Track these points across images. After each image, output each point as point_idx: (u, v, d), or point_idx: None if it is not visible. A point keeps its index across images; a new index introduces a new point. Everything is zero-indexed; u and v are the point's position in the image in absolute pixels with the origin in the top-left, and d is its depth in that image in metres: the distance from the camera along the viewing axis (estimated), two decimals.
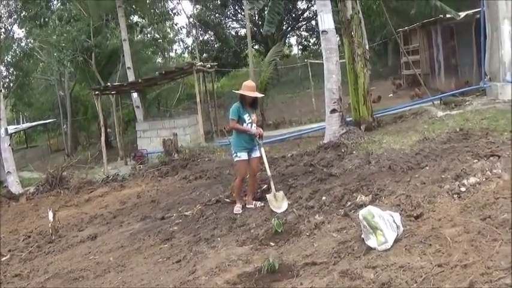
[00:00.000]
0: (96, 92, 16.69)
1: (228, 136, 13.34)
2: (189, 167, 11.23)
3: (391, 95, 20.28)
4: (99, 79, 21.39)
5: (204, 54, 35.80)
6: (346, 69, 11.30)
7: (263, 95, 7.18)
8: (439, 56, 17.49)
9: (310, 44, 41.07)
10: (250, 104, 6.60)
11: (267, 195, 6.56)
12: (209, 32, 36.56)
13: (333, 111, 10.08)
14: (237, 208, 6.60)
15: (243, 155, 6.53)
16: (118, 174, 12.62)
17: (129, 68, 18.90)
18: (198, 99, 15.35)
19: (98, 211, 9.11)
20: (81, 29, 20.84)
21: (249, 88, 6.53)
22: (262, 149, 6.69)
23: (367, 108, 11.06)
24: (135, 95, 18.95)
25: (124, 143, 18.80)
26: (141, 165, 13.52)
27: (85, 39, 20.87)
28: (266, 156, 6.83)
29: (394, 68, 26.81)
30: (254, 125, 6.60)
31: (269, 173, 6.73)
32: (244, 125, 6.51)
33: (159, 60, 34.19)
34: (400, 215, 4.56)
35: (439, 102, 13.20)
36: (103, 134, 16.32)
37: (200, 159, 11.70)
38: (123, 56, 19.68)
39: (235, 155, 6.59)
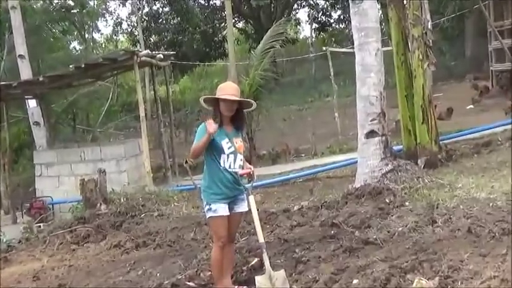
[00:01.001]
0: None
1: (192, 178, 13.24)
2: (126, 227, 11.08)
3: (471, 106, 20.44)
4: None
5: (153, 37, 36.07)
6: (394, 63, 11.38)
7: (253, 104, 7.14)
8: None
9: (332, 21, 41.73)
10: (232, 120, 6.56)
11: (256, 277, 6.45)
12: None
13: (371, 134, 10.09)
14: None
15: (221, 209, 6.42)
16: None
17: (21, 56, 18.83)
18: (142, 113, 15.32)
19: None
20: None
21: (223, 89, 6.49)
22: (252, 199, 6.61)
23: (429, 129, 11.10)
24: (32, 103, 18.84)
25: (11, 185, 18.60)
26: (41, 224, 13.28)
27: None
28: (257, 210, 6.74)
29: (476, 61, 27.04)
30: (240, 156, 6.54)
31: (261, 239, 6.62)
32: (223, 157, 6.43)
33: (75, 45, 34.41)
34: None
35: None
36: None
37: (145, 214, 11.57)
38: (11, 34, 19.59)
39: (207, 207, 6.48)
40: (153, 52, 18.26)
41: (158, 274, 7.96)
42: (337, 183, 12.21)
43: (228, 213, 6.50)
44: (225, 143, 6.42)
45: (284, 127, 24.04)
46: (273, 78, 26.10)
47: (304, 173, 14.56)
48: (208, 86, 37.28)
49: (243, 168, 6.55)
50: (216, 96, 6.45)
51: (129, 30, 37.01)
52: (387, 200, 8.61)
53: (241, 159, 6.54)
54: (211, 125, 6.26)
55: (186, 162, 15.68)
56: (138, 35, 30.72)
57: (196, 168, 15.81)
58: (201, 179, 6.73)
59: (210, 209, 6.47)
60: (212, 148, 6.39)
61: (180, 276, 7.57)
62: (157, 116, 19.22)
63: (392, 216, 7.85)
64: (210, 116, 6.45)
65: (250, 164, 6.83)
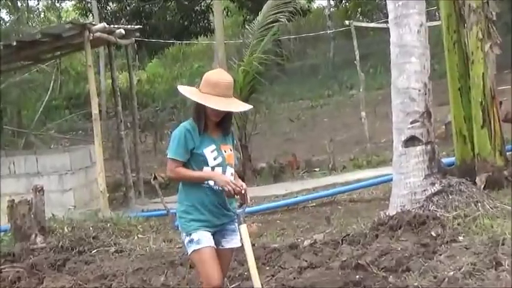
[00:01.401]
0: None
1: (163, 199, 13.21)
2: (71, 267, 11.00)
3: None
4: None
5: (111, 5, 36.06)
6: (444, 44, 11.36)
7: (249, 107, 7.07)
8: None
9: None
10: (219, 123, 6.52)
11: None
12: None
13: (411, 141, 10.08)
14: None
15: (204, 238, 6.35)
16: None
17: None
18: (94, 109, 15.28)
19: None
20: None
21: (215, 87, 6.42)
22: (244, 229, 6.59)
23: (491, 135, 11.09)
24: None
25: None
26: None
27: None
28: (253, 244, 6.72)
29: None
30: (231, 170, 6.52)
31: (258, 286, 6.63)
32: (206, 170, 6.42)
33: (3, 15, 34.38)
34: None
35: None
36: None
37: (97, 250, 11.52)
38: None
39: (188, 239, 6.39)
40: (112, 26, 18.23)
41: None
42: (364, 209, 12.21)
43: (214, 245, 6.44)
44: (209, 152, 6.34)
45: (291, 131, 24.11)
46: (277, 63, 25.98)
47: (319, 195, 14.57)
48: (187, 72, 37.31)
49: None
50: (204, 103, 6.32)
51: None
52: (433, 233, 8.58)
53: (231, 174, 6.50)
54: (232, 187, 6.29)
55: (155, 178, 15.67)
56: (91, 2, 30.73)
57: (169, 186, 15.79)
58: (175, 201, 6.68)
59: (191, 241, 6.37)
60: (191, 158, 6.33)
61: None
62: (115, 114, 19.17)
63: (440, 255, 7.84)
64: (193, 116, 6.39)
65: (243, 181, 6.80)
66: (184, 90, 6.48)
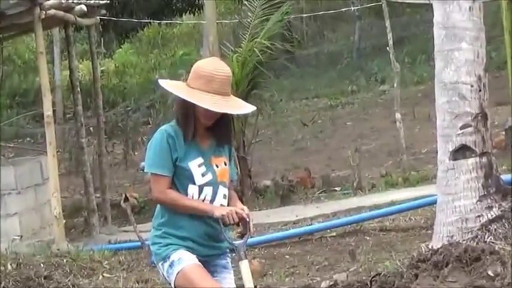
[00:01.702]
0: None
1: (136, 227, 13.23)
2: None
3: None
4: None
5: None
6: (503, 25, 11.36)
7: (252, 108, 7.00)
8: None
9: None
10: (211, 128, 6.47)
11: None
12: None
13: (462, 151, 10.06)
14: None
15: (186, 258, 6.24)
16: None
17: None
18: (47, 110, 15.28)
19: None
20: None
21: (208, 82, 6.35)
22: (245, 266, 6.56)
23: None
24: None
25: None
26: None
27: None
28: (255, 286, 6.72)
29: None
30: (224, 190, 6.47)
31: None
32: (192, 190, 6.35)
33: None
34: None
35: None
36: None
37: None
38: None
39: (168, 264, 6.26)
40: (70, 1, 18.23)
41: None
42: (400, 241, 12.24)
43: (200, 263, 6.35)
44: (195, 166, 6.27)
45: (304, 138, 24.12)
46: (285, 50, 25.92)
47: (340, 222, 14.56)
48: (167, 61, 37.29)
49: None
50: (195, 101, 6.26)
51: None
52: (491, 272, 8.55)
53: (225, 195, 6.45)
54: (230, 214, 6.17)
55: (126, 199, 15.57)
56: None
57: (144, 210, 15.78)
58: (152, 230, 6.59)
59: (172, 264, 6.23)
60: (179, 176, 6.27)
61: None
62: (75, 116, 19.19)
63: None
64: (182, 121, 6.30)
65: (242, 203, 6.77)
66: (168, 84, 6.32)
